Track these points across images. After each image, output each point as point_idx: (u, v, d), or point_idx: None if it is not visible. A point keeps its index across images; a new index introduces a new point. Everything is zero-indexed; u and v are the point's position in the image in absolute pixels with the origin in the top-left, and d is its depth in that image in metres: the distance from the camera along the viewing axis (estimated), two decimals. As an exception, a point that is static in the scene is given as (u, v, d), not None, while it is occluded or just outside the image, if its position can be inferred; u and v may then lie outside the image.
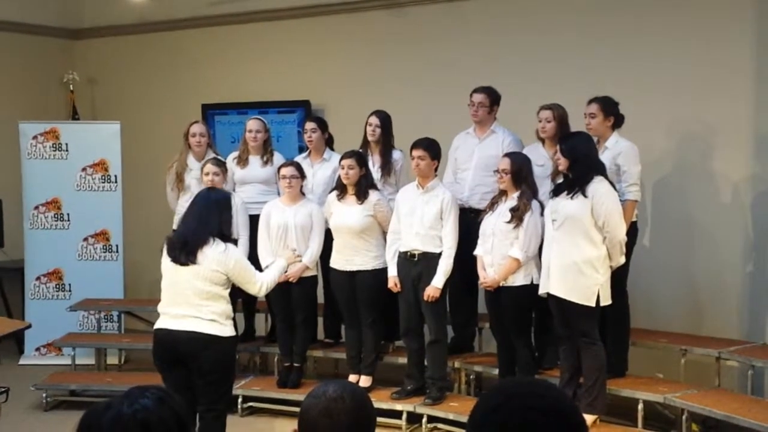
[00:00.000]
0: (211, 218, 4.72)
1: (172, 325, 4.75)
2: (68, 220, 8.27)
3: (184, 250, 4.69)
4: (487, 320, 6.24)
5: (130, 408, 1.89)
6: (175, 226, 5.72)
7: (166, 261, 4.78)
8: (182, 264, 4.70)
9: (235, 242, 5.10)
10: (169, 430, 1.91)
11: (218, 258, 4.68)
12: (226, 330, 4.77)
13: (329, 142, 6.96)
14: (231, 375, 5.04)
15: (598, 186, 5.41)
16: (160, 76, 9.18)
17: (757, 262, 6.50)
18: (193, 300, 4.70)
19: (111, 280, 8.19)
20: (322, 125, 6.90)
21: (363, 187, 6.26)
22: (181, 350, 4.71)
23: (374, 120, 6.57)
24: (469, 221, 6.12)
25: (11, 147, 8.34)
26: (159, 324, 4.84)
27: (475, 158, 6.43)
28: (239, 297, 6.17)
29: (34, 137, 8.23)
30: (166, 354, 4.79)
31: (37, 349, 8.24)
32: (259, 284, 4.97)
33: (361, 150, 6.54)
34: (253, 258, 6.52)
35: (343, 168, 6.27)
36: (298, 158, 6.91)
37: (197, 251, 4.67)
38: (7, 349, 8.15)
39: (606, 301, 5.50)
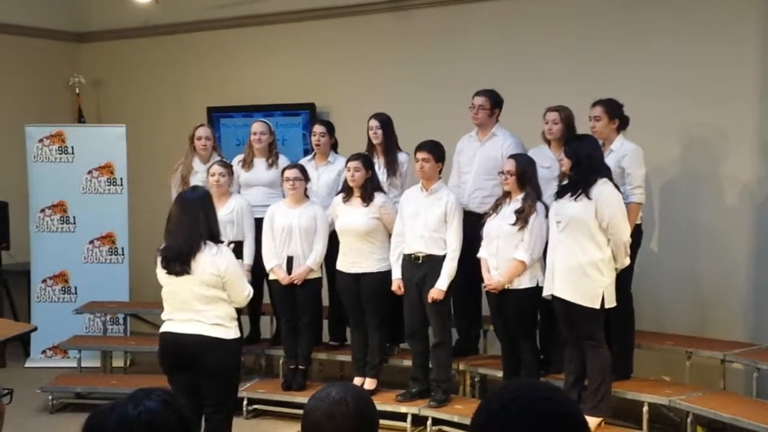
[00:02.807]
0: (198, 223, 4.65)
1: (178, 329, 4.75)
2: (74, 223, 8.30)
3: (179, 261, 4.65)
4: (491, 322, 6.24)
5: (135, 410, 1.90)
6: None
7: (161, 272, 4.77)
8: (178, 274, 4.68)
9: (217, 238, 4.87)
10: None
11: (212, 260, 4.65)
12: (230, 332, 4.76)
13: (334, 147, 6.97)
14: (237, 377, 5.04)
15: (602, 188, 5.40)
16: (166, 79, 9.20)
17: (763, 265, 6.48)
18: (195, 306, 4.69)
19: (117, 283, 8.22)
20: (331, 130, 6.92)
21: (369, 190, 6.27)
22: (187, 353, 4.71)
23: (374, 123, 6.59)
24: (470, 224, 6.11)
25: (17, 150, 8.37)
26: (164, 328, 4.84)
27: (476, 161, 6.43)
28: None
29: (40, 140, 8.27)
30: (171, 357, 4.79)
31: (43, 352, 8.27)
32: (247, 291, 4.86)
33: (367, 153, 6.55)
34: (258, 260, 6.56)
35: (349, 170, 6.27)
36: (303, 161, 6.93)
37: (191, 260, 4.63)
38: (13, 352, 8.18)
39: (611, 303, 5.49)
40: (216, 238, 4.73)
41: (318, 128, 6.90)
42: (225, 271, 4.68)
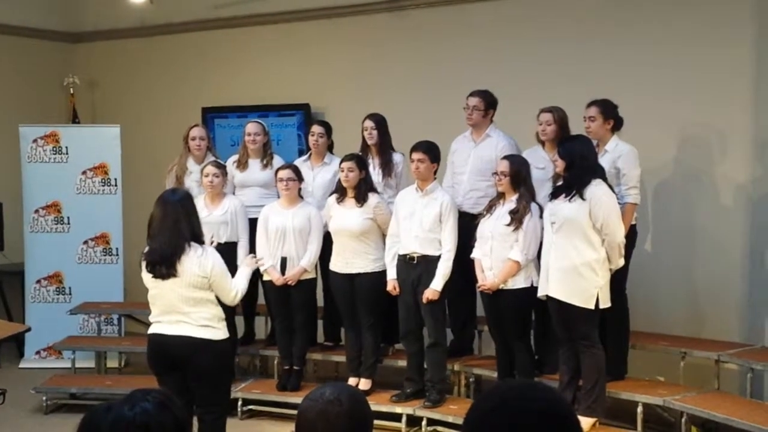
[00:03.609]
0: (182, 225, 4.64)
1: (166, 331, 4.74)
2: (68, 224, 8.28)
3: (164, 265, 4.64)
4: (486, 323, 6.24)
5: (131, 411, 1.90)
6: None
7: (147, 275, 4.75)
8: (164, 278, 4.67)
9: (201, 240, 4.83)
10: None
11: (198, 262, 4.65)
12: (219, 333, 4.76)
13: (330, 147, 6.97)
14: (228, 377, 5.03)
15: (595, 189, 5.41)
16: (160, 80, 9.19)
17: (758, 266, 6.49)
18: (182, 308, 4.69)
19: (111, 284, 8.21)
20: (329, 130, 6.91)
21: (362, 190, 6.27)
22: (176, 354, 4.70)
23: (369, 123, 6.60)
24: (464, 225, 6.11)
25: (11, 150, 8.36)
26: (152, 330, 4.83)
27: (471, 162, 6.43)
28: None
29: (35, 140, 8.25)
30: (161, 358, 4.78)
31: (38, 353, 8.25)
32: (234, 291, 4.84)
33: (361, 153, 6.55)
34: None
35: (342, 171, 6.28)
36: (298, 161, 6.92)
37: (176, 263, 4.63)
38: (7, 353, 8.16)
39: (605, 303, 5.50)
40: (199, 239, 4.72)
41: (316, 128, 6.89)
42: (211, 272, 4.68)
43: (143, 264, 4.73)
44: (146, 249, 4.74)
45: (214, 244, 5.04)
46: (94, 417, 1.91)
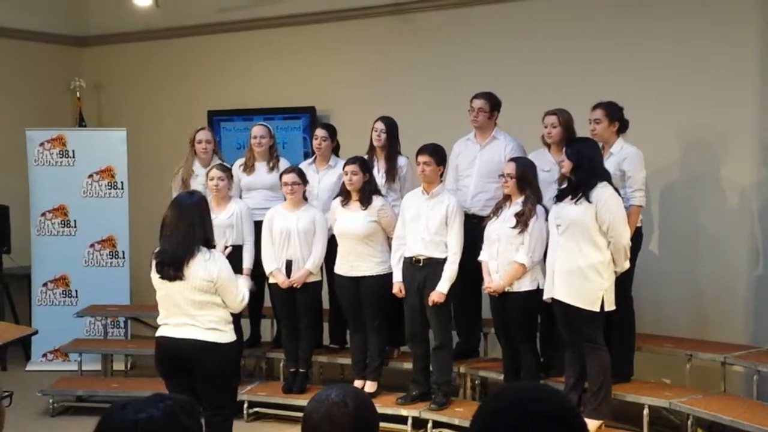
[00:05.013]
0: (195, 228, 4.66)
1: (174, 333, 4.75)
2: (75, 227, 8.31)
3: (172, 266, 4.65)
4: (492, 325, 6.24)
5: (136, 415, 1.89)
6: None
7: (155, 276, 4.77)
8: (171, 279, 4.69)
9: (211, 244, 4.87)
10: None
11: (204, 266, 4.66)
12: (226, 336, 4.77)
13: (335, 150, 6.98)
14: (234, 379, 5.04)
15: (601, 191, 5.41)
16: (166, 83, 9.21)
17: (763, 268, 6.49)
18: (189, 311, 4.70)
19: (117, 286, 8.23)
20: (333, 133, 6.91)
21: (367, 193, 6.28)
22: (183, 357, 4.72)
23: (379, 125, 6.60)
24: (472, 227, 6.12)
25: (18, 154, 8.38)
26: (160, 332, 4.84)
27: (477, 165, 6.43)
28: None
29: (41, 144, 8.28)
30: (168, 361, 4.80)
31: (44, 355, 8.27)
32: (241, 296, 4.85)
33: (366, 156, 6.56)
34: (258, 263, 6.55)
35: (346, 174, 6.28)
36: (303, 164, 6.93)
37: (184, 266, 4.64)
38: (14, 355, 8.19)
39: (610, 306, 5.50)
40: (209, 244, 4.74)
41: (320, 132, 6.90)
42: (217, 276, 4.68)
43: (153, 264, 4.75)
44: (157, 249, 4.76)
45: (228, 251, 5.07)
46: (111, 411, 1.93)
